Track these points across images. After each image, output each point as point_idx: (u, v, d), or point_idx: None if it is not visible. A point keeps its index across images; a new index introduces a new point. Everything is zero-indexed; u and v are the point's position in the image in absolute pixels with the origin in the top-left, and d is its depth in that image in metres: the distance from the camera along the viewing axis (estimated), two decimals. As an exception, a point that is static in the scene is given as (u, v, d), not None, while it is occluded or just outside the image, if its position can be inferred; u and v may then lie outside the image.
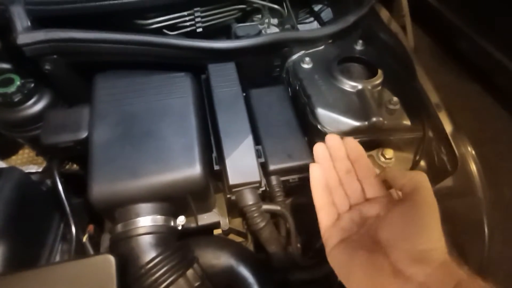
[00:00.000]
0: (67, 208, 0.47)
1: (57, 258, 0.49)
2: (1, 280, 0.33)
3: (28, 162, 0.65)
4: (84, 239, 0.46)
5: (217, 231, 0.51)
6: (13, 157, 0.66)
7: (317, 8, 0.76)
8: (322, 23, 0.76)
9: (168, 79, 0.48)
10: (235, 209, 0.46)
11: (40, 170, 0.63)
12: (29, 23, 0.43)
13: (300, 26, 0.75)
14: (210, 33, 0.61)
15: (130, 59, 0.50)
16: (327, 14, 0.75)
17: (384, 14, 0.67)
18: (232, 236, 0.53)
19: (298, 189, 0.49)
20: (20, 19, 0.42)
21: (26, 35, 0.42)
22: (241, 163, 0.42)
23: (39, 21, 0.45)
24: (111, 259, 0.32)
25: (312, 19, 0.77)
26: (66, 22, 0.46)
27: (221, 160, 0.43)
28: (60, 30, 0.44)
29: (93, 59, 0.48)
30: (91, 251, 0.45)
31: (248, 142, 0.43)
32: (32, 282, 0.32)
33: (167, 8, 0.53)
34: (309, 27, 0.77)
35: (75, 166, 0.62)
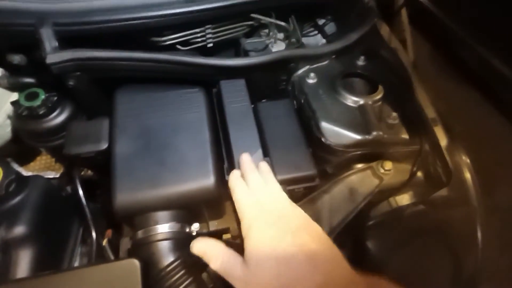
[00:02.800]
0: (88, 214, 0.51)
1: (77, 261, 0.52)
2: (32, 282, 0.37)
3: (45, 168, 0.69)
4: (104, 243, 0.49)
5: (226, 236, 0.54)
6: (31, 163, 0.70)
7: (321, 22, 0.79)
8: (326, 36, 0.79)
9: (183, 95, 0.51)
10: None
11: (57, 175, 0.67)
12: (56, 44, 0.46)
13: (304, 39, 0.78)
14: (219, 47, 0.64)
15: (147, 75, 0.53)
16: (330, 27, 0.79)
17: (385, 30, 0.71)
18: (241, 241, 0.56)
19: (302, 198, 0.53)
20: (49, 40, 0.45)
21: (54, 55, 0.45)
22: (251, 175, 0.45)
23: (63, 41, 0.49)
24: (136, 263, 0.35)
25: (316, 32, 0.81)
26: (87, 40, 0.50)
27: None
28: (85, 50, 0.47)
29: (114, 75, 0.52)
30: (111, 254, 0.49)
31: (258, 155, 0.46)
32: (63, 285, 0.36)
33: (181, 26, 0.57)
34: (313, 39, 0.81)
35: (89, 172, 0.66)
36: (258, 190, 0.39)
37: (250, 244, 0.34)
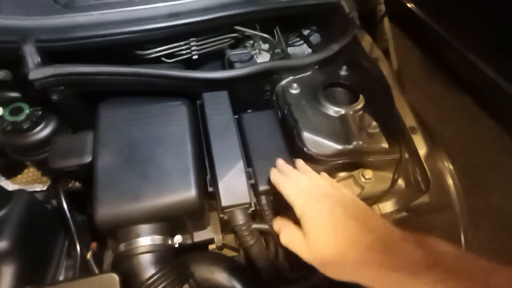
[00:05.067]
0: (73, 228, 0.51)
1: (62, 274, 0.52)
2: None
3: (33, 181, 0.69)
4: (88, 256, 0.50)
5: (211, 247, 0.55)
6: (19, 176, 0.70)
7: (306, 32, 0.81)
8: (311, 46, 0.81)
9: (166, 108, 0.52)
10: (227, 226, 0.50)
11: (44, 188, 0.67)
12: (39, 60, 0.47)
13: (290, 49, 0.80)
14: (205, 58, 0.65)
15: (131, 89, 0.54)
16: (315, 37, 0.80)
17: (367, 40, 0.72)
18: (225, 251, 0.56)
19: (286, 208, 0.53)
20: (32, 56, 0.46)
21: (37, 71, 0.46)
22: (233, 186, 0.46)
23: (47, 56, 0.49)
24: (115, 278, 0.36)
25: (301, 42, 0.82)
26: (71, 55, 0.51)
27: (214, 183, 0.47)
28: (67, 65, 0.48)
29: (97, 90, 0.52)
30: (95, 268, 0.49)
31: (240, 166, 0.47)
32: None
33: (165, 39, 0.58)
34: (299, 49, 0.82)
35: (77, 183, 0.66)
36: (299, 179, 0.44)
37: (307, 221, 0.38)
